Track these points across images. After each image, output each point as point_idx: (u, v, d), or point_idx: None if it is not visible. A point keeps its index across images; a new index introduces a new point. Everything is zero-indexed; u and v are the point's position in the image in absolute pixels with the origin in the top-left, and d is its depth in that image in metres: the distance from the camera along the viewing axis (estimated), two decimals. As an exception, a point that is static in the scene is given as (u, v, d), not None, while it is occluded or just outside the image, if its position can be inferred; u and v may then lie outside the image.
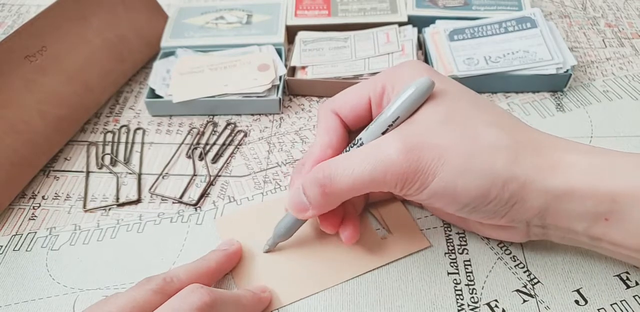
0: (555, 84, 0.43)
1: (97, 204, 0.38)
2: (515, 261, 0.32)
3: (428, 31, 0.47)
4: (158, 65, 0.46)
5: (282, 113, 0.44)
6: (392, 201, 0.36)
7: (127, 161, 0.41)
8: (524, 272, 0.32)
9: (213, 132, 0.43)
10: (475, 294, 0.31)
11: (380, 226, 0.35)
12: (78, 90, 0.42)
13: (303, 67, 0.46)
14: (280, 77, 0.44)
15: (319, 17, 0.50)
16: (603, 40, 0.50)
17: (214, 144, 0.42)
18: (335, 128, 0.31)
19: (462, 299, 0.31)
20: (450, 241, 0.34)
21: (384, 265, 0.32)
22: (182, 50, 0.47)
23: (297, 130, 0.43)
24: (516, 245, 0.33)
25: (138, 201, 0.38)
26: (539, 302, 0.30)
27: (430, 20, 0.48)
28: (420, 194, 0.27)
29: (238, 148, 0.41)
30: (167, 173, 0.40)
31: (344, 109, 0.31)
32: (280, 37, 0.48)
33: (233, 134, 0.42)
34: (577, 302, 0.30)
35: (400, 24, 0.48)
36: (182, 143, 0.42)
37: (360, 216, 0.35)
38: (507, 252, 0.33)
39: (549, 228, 0.27)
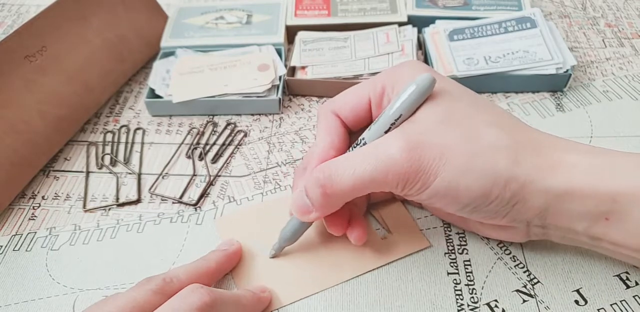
0: (555, 84, 0.43)
1: (97, 204, 0.38)
2: (515, 261, 0.32)
3: (428, 31, 0.47)
4: (158, 65, 0.46)
5: (282, 113, 0.44)
6: (392, 201, 0.36)
7: (127, 161, 0.41)
8: (524, 272, 0.32)
9: (213, 132, 0.43)
10: (475, 294, 0.31)
11: (380, 226, 0.35)
12: (78, 90, 0.42)
13: (303, 67, 0.46)
14: (280, 77, 0.44)
15: (319, 17, 0.50)
16: (603, 40, 0.50)
17: (214, 144, 0.42)
18: (336, 129, 0.31)
19: (462, 299, 0.31)
20: (450, 241, 0.34)
21: (383, 265, 0.32)
22: (182, 50, 0.47)
23: (297, 130, 0.43)
24: (516, 245, 0.33)
25: (138, 201, 0.38)
26: (538, 302, 0.30)
27: (430, 20, 0.48)
28: (421, 194, 0.27)
29: (238, 148, 0.41)
30: (167, 173, 0.40)
31: (344, 110, 0.31)
32: (280, 37, 0.48)
33: (233, 134, 0.42)
34: (577, 302, 0.30)
35: (400, 24, 0.48)
36: (182, 143, 0.42)
37: (361, 216, 0.35)
38: (507, 252, 0.33)
39: (549, 228, 0.27)
